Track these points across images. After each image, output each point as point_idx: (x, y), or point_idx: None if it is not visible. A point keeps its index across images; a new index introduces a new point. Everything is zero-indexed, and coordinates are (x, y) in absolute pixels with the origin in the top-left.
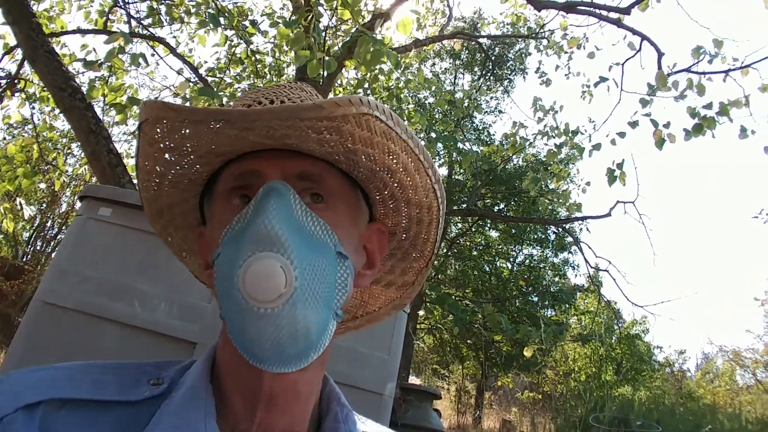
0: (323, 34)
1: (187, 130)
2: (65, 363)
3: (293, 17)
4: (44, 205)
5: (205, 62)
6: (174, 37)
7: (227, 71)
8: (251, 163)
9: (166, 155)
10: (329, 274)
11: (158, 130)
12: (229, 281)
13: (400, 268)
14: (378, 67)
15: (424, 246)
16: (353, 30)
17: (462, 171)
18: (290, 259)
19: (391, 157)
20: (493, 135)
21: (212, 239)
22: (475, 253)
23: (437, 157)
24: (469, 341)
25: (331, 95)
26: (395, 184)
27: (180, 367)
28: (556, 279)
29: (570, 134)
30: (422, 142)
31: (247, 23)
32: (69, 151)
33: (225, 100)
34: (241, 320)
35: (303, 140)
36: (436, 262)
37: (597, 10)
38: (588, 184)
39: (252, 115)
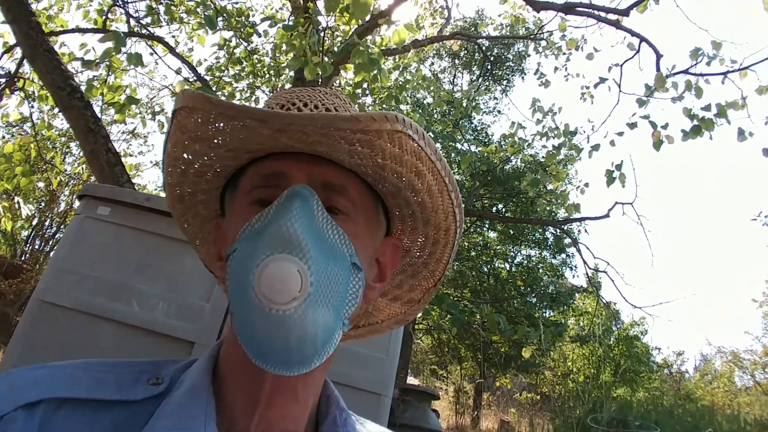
0: (322, 34)
1: (221, 124)
2: (66, 361)
3: (292, 18)
4: (43, 204)
5: (205, 60)
6: (173, 36)
7: (226, 71)
8: (278, 164)
9: (196, 145)
10: (342, 283)
11: (192, 119)
12: (244, 278)
13: (408, 284)
14: (376, 69)
15: (436, 266)
16: (351, 32)
17: (460, 171)
18: (307, 264)
19: (417, 177)
20: (492, 135)
21: (229, 233)
22: (473, 253)
23: None
24: (467, 342)
25: None
26: (417, 204)
27: (181, 365)
28: (554, 280)
29: (569, 135)
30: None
31: (246, 22)
32: (68, 150)
33: (224, 99)
34: (250, 318)
35: (334, 149)
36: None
37: (595, 12)
38: (586, 185)
39: (289, 118)
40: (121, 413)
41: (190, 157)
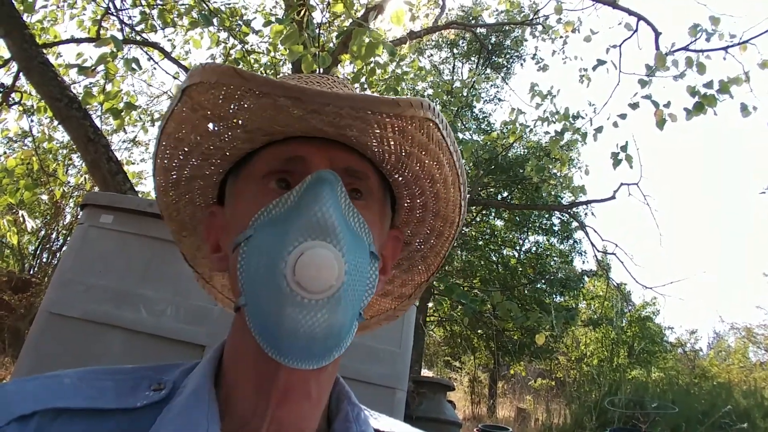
0: (317, 30)
1: (246, 103)
2: (63, 370)
3: (286, 13)
4: (48, 217)
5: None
6: (169, 41)
7: None
8: (299, 148)
9: (211, 125)
10: (366, 273)
11: (211, 96)
12: (272, 267)
13: (401, 279)
14: (374, 60)
15: (434, 260)
16: (347, 24)
17: (463, 161)
18: (342, 252)
19: (438, 167)
20: (493, 123)
21: (235, 221)
22: (480, 242)
23: None
24: (479, 331)
25: None
26: (432, 195)
27: (183, 369)
28: (564, 266)
29: (570, 119)
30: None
31: (240, 23)
32: (70, 161)
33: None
34: (278, 308)
35: (364, 133)
36: None
37: None
38: (588, 167)
39: (328, 97)
40: (122, 422)
41: (198, 138)
